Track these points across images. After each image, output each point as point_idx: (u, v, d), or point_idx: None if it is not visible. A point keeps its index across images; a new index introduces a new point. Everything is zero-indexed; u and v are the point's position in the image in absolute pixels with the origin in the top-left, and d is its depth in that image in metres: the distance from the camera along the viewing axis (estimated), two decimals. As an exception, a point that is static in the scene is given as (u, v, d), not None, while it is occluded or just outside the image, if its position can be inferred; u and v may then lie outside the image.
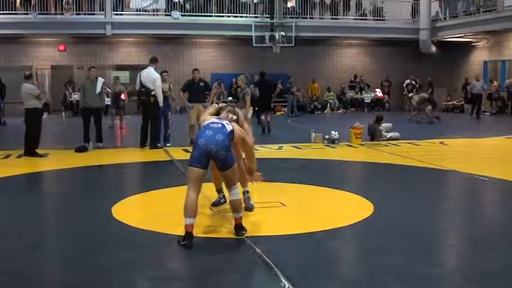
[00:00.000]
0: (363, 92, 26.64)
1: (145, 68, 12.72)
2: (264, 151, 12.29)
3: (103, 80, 13.00)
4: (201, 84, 13.32)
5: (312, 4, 25.79)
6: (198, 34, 24.58)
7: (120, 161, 11.04)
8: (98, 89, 12.47)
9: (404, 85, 25.78)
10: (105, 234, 5.89)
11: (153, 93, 12.24)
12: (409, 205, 7.09)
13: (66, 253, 5.33)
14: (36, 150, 11.32)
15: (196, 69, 13.61)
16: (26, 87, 11.45)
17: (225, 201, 6.57)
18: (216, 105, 6.35)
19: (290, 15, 25.21)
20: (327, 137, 13.48)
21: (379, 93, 26.78)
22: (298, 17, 25.18)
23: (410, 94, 24.71)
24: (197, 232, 5.73)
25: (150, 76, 12.37)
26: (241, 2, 24.86)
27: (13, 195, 8.02)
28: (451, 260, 5.30)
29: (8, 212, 6.96)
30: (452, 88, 26.83)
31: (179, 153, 11.54)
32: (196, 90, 13.09)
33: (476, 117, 21.37)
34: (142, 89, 12.43)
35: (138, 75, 12.66)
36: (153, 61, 12.75)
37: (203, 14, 24.06)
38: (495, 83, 23.74)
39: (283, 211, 6.78)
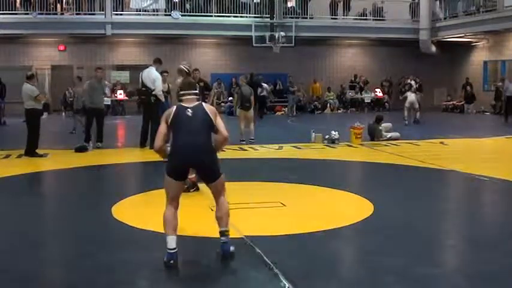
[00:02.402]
0: (362, 92, 26.64)
1: (147, 67, 12.77)
2: (264, 151, 12.31)
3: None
4: (201, 84, 13.33)
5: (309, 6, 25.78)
6: (198, 34, 24.56)
7: (120, 161, 11.05)
8: (105, 90, 12.61)
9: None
10: (105, 234, 5.90)
11: (153, 93, 12.26)
12: (409, 205, 7.09)
13: (66, 253, 5.33)
14: (36, 151, 11.31)
15: (196, 69, 13.61)
16: (26, 87, 11.44)
17: None
18: None
19: (290, 15, 25.20)
20: (327, 137, 13.48)
21: (379, 93, 26.78)
22: (298, 17, 25.17)
23: (408, 93, 24.53)
24: (197, 232, 5.74)
25: (150, 76, 12.40)
26: (241, 2, 24.84)
27: (13, 195, 8.02)
28: (451, 260, 5.30)
29: (8, 212, 6.96)
30: (452, 88, 26.84)
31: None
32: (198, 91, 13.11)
33: None
34: (143, 89, 12.47)
35: (140, 74, 12.71)
36: (156, 62, 12.81)
37: (203, 14, 24.05)
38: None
39: (283, 211, 6.78)
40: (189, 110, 4.94)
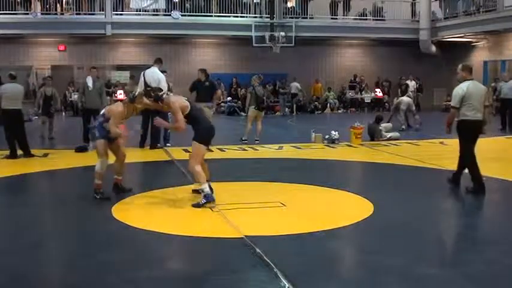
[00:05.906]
0: (362, 92, 26.65)
1: (149, 67, 12.75)
2: (264, 151, 12.31)
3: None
4: (207, 84, 13.37)
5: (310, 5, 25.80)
6: (198, 34, 24.57)
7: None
8: (103, 89, 12.78)
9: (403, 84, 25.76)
10: (105, 234, 5.90)
11: None
12: (409, 205, 7.09)
13: (66, 253, 5.33)
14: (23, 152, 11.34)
15: (203, 70, 13.63)
16: (20, 88, 11.50)
17: None
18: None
19: (290, 15, 25.21)
20: (327, 137, 13.48)
21: (379, 93, 26.78)
22: (298, 17, 25.18)
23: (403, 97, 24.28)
24: (197, 232, 5.75)
25: (155, 76, 12.40)
26: (242, 2, 24.86)
27: (13, 195, 8.03)
28: (451, 260, 5.30)
29: (8, 212, 6.97)
30: (452, 88, 26.77)
31: (179, 153, 11.53)
32: (204, 90, 13.11)
33: (510, 128, 16.91)
34: (148, 88, 12.43)
35: (142, 74, 12.67)
36: (158, 61, 12.81)
37: (203, 14, 24.05)
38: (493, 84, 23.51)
39: (283, 211, 6.78)
40: None
